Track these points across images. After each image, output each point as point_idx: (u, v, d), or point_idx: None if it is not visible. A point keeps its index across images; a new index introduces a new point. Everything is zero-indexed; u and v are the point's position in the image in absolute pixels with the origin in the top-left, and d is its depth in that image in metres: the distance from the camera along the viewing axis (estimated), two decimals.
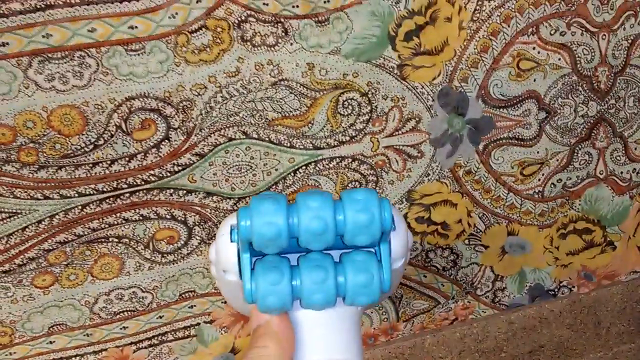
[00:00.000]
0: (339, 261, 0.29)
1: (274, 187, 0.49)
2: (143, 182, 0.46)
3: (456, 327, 0.61)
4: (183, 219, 0.48)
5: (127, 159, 0.45)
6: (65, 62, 0.41)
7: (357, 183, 0.51)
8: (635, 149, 0.57)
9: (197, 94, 0.44)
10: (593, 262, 0.62)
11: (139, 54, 0.42)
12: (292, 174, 0.49)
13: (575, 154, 0.55)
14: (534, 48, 0.50)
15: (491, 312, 0.62)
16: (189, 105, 0.44)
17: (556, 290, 0.63)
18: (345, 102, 0.47)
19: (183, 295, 0.52)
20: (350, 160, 0.50)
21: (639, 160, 0.58)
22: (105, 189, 0.45)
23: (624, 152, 0.57)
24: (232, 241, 0.29)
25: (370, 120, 0.49)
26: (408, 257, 0.33)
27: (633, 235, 0.62)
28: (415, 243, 0.55)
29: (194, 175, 0.47)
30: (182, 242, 0.49)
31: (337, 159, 0.49)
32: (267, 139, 0.47)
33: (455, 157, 0.52)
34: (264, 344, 0.28)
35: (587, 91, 0.53)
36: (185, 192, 0.47)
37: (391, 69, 0.47)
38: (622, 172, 0.58)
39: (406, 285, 0.58)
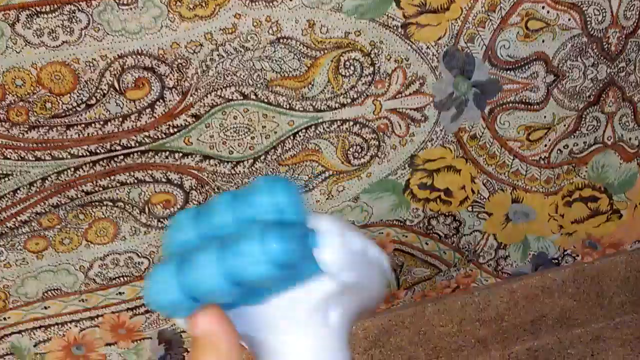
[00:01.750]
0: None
1: (272, 150, 0.48)
2: (137, 144, 0.45)
3: (457, 296, 0.61)
4: (179, 183, 0.47)
5: (120, 119, 0.44)
6: (55, 17, 0.39)
7: (358, 147, 0.50)
8: None
9: (192, 51, 0.43)
10: (598, 231, 0.61)
11: (131, 9, 0.40)
12: (292, 138, 0.48)
13: (583, 119, 0.54)
14: (543, 7, 0.48)
15: (493, 281, 0.62)
16: (184, 64, 0.43)
17: (560, 259, 0.62)
18: (347, 63, 0.46)
19: None
20: (351, 123, 0.49)
21: None
22: (98, 151, 0.44)
23: (633, 117, 0.56)
24: None
25: (373, 81, 0.47)
26: (385, 268, 0.31)
27: None
28: (418, 210, 0.55)
29: (190, 137, 0.46)
30: (179, 207, 0.48)
31: (338, 122, 0.48)
32: (265, 100, 0.46)
33: (460, 121, 0.51)
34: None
35: (597, 53, 0.52)
36: (181, 154, 0.46)
37: (395, 28, 0.46)
38: (630, 138, 0.57)
39: (407, 253, 0.57)
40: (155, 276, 0.26)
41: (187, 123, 0.45)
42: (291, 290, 0.28)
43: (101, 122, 0.43)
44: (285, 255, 0.26)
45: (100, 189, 0.46)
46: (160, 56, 0.42)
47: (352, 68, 0.46)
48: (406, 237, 0.56)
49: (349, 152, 0.50)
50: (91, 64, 0.41)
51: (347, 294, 0.29)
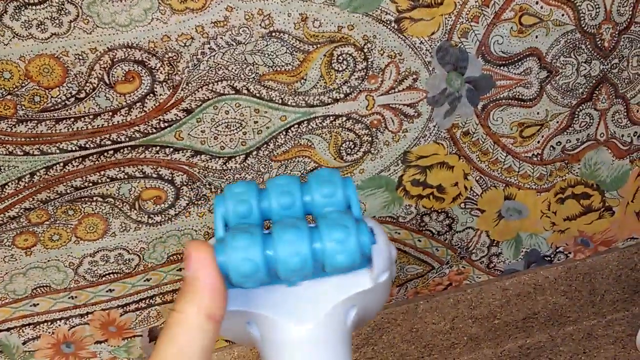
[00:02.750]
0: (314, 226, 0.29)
1: (264, 146, 0.47)
2: (127, 139, 0.44)
3: (450, 293, 0.60)
4: (170, 178, 0.47)
5: (110, 113, 0.43)
6: (43, 8, 0.38)
7: (351, 143, 0.49)
8: (638, 111, 0.56)
9: (183, 45, 0.42)
10: (590, 228, 0.61)
11: (121, 1, 0.39)
12: (284, 133, 0.47)
13: (576, 116, 0.54)
14: (537, 2, 0.48)
15: (486, 278, 0.61)
16: (175, 57, 0.42)
17: (552, 256, 0.62)
18: (340, 57, 0.46)
19: (171, 258, 0.51)
20: (344, 119, 0.48)
21: None
22: (88, 145, 0.43)
23: (625, 114, 0.56)
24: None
25: (366, 76, 0.47)
26: (394, 272, 0.32)
27: (632, 201, 0.61)
28: (410, 206, 0.54)
29: (181, 132, 0.45)
30: (170, 203, 0.48)
31: (331, 117, 0.48)
32: (257, 95, 0.45)
33: (453, 117, 0.51)
34: (181, 309, 0.24)
35: (590, 49, 0.51)
36: (172, 150, 0.45)
37: (388, 22, 0.45)
38: (623, 135, 0.57)
39: (400, 250, 0.57)
40: (239, 242, 0.26)
41: (178, 118, 0.44)
42: (329, 277, 0.29)
43: (91, 117, 0.42)
44: (369, 249, 0.28)
45: (90, 184, 0.45)
46: (151, 49, 0.41)
47: (345, 63, 0.46)
48: (399, 234, 0.56)
49: (341, 147, 0.49)
50: (80, 57, 0.40)
51: (368, 297, 0.29)
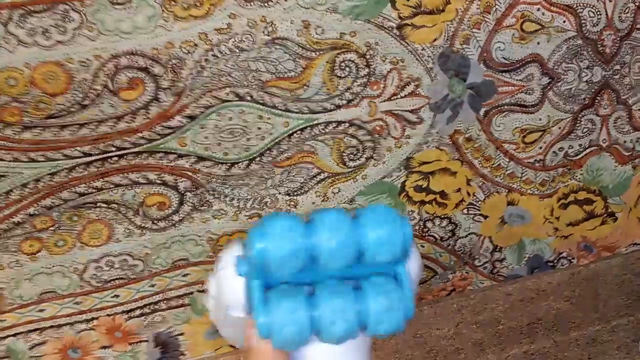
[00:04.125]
0: (358, 288, 0.27)
1: (267, 152, 0.46)
2: (132, 145, 0.43)
3: (454, 298, 0.59)
4: (174, 185, 0.46)
5: (114, 120, 0.42)
6: (48, 16, 0.38)
7: (354, 149, 0.48)
8: None
9: (187, 52, 0.41)
10: (593, 233, 0.60)
11: (125, 8, 0.39)
12: (287, 139, 0.46)
13: (578, 122, 0.53)
14: (538, 9, 0.47)
15: (489, 284, 0.60)
16: (178, 64, 0.41)
17: (555, 261, 0.61)
18: (342, 64, 0.45)
19: (176, 264, 0.50)
20: (347, 125, 0.47)
21: None
22: (92, 152, 0.43)
23: (628, 120, 0.54)
24: (239, 274, 0.26)
25: (368, 83, 0.46)
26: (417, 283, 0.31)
27: (634, 206, 0.60)
28: (413, 212, 0.53)
29: (185, 138, 0.44)
30: (174, 209, 0.47)
31: (334, 123, 0.47)
32: (261, 101, 0.44)
33: (455, 123, 0.50)
34: None
35: (592, 56, 0.50)
36: (175, 156, 0.45)
37: (390, 29, 0.44)
38: (625, 141, 0.55)
39: None
40: (283, 304, 0.24)
41: (181, 124, 0.44)
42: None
43: (95, 123, 0.42)
44: (412, 312, 0.26)
45: (94, 190, 0.44)
46: (155, 56, 0.41)
47: (347, 69, 0.45)
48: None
49: (344, 153, 0.48)
50: (85, 64, 0.40)
51: None
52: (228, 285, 0.27)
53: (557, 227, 0.58)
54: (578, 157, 0.55)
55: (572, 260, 0.61)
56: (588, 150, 0.55)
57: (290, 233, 0.25)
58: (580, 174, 0.56)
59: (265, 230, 0.25)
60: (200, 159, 0.45)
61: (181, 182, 0.46)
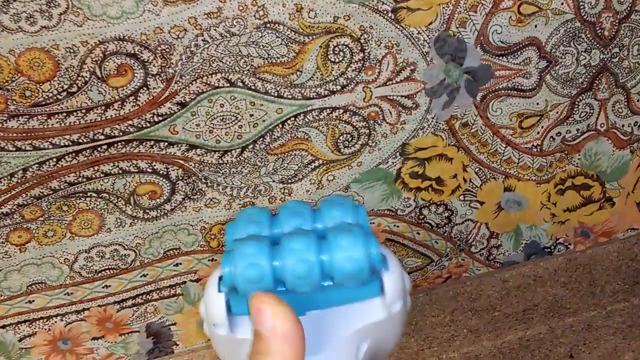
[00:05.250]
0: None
1: (261, 139, 0.47)
2: (121, 133, 0.43)
3: (449, 286, 0.60)
4: (165, 173, 0.46)
5: (103, 107, 0.42)
6: (32, 1, 0.38)
7: (348, 136, 0.49)
8: (638, 100, 0.55)
9: (176, 37, 0.41)
10: (591, 219, 0.61)
11: None
12: (280, 126, 0.47)
13: (576, 106, 0.53)
14: None
15: (485, 270, 0.61)
16: (168, 50, 0.41)
17: (552, 247, 0.62)
18: (336, 48, 0.45)
19: (167, 253, 0.50)
20: (341, 111, 0.47)
21: None
22: (81, 140, 0.43)
23: (626, 104, 0.55)
24: (219, 291, 0.28)
25: (363, 68, 0.46)
26: (409, 304, 0.31)
27: (632, 192, 0.61)
28: (409, 199, 0.54)
29: (176, 126, 0.44)
30: (165, 198, 0.47)
31: (328, 109, 0.47)
32: (253, 87, 0.44)
33: (452, 108, 0.50)
34: None
35: (590, 38, 0.51)
36: (166, 144, 0.45)
37: (385, 12, 0.44)
38: (623, 125, 0.56)
39: (399, 243, 0.56)
40: (247, 249, 0.26)
41: (172, 111, 0.44)
42: (341, 306, 0.28)
43: (83, 111, 0.42)
44: (378, 261, 0.27)
45: (84, 179, 0.44)
46: (143, 42, 0.41)
47: (341, 54, 0.45)
48: (397, 227, 0.55)
49: (339, 140, 0.49)
50: (71, 50, 0.40)
51: (380, 329, 0.29)
52: (211, 302, 0.28)
53: (554, 213, 0.59)
54: (576, 141, 0.55)
55: (569, 246, 0.62)
56: (586, 135, 0.55)
57: (255, 258, 0.27)
58: (578, 159, 0.56)
59: (233, 256, 0.27)
60: (192, 146, 0.46)
61: (173, 170, 0.46)
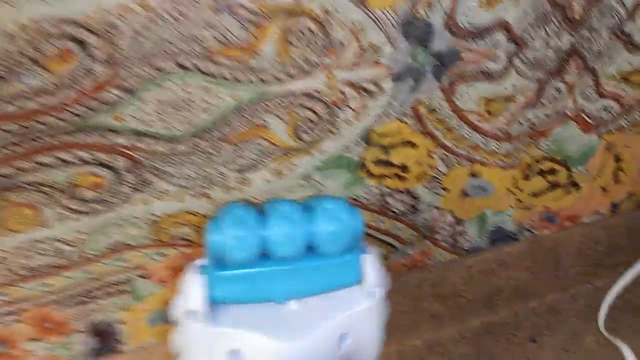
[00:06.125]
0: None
1: (215, 127, 0.48)
2: (63, 122, 0.44)
3: (413, 273, 0.63)
4: (110, 164, 0.47)
5: (43, 95, 0.42)
6: None
7: (310, 123, 0.50)
8: (607, 84, 0.59)
9: (123, 18, 0.41)
10: (556, 204, 0.65)
11: None
12: (236, 113, 0.48)
13: (544, 90, 0.57)
14: None
15: (450, 257, 0.65)
16: (113, 33, 0.42)
17: (517, 233, 0.66)
18: (298, 31, 0.46)
19: (113, 249, 0.51)
20: (302, 97, 0.49)
21: (609, 97, 0.60)
22: (19, 131, 0.43)
23: (594, 88, 0.59)
24: (201, 274, 0.31)
25: (326, 52, 0.48)
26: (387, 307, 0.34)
27: (598, 176, 0.65)
28: (373, 187, 0.56)
29: (122, 113, 0.45)
30: (110, 190, 0.48)
31: (288, 95, 0.49)
32: (207, 72, 0.45)
33: (418, 93, 0.52)
34: None
35: (560, 21, 0.54)
36: (112, 133, 0.45)
37: None
38: (591, 110, 0.60)
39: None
40: (233, 220, 0.29)
41: (118, 98, 0.44)
42: (322, 294, 0.30)
43: (22, 99, 0.42)
44: (359, 229, 0.30)
45: (21, 171, 0.45)
46: (87, 24, 0.41)
47: (302, 37, 0.46)
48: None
49: (299, 127, 0.50)
50: (7, 35, 0.39)
51: (362, 323, 0.31)
52: (189, 286, 0.30)
53: (519, 199, 0.63)
54: (543, 126, 0.59)
55: (534, 232, 0.67)
56: (553, 120, 0.59)
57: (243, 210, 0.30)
58: (545, 144, 0.60)
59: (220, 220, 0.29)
60: (140, 135, 0.46)
61: (119, 161, 0.47)
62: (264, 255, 0.30)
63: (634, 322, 0.67)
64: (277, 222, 0.29)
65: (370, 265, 0.31)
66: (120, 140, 0.46)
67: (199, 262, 0.31)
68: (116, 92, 0.44)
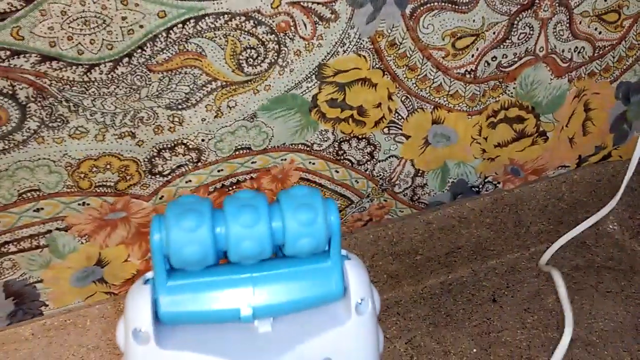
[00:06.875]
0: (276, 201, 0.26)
1: (139, 51, 0.38)
2: None
3: (370, 229, 0.56)
4: (11, 92, 0.37)
5: None
6: None
7: (253, 52, 0.41)
8: (580, 22, 0.51)
9: None
10: (522, 155, 0.58)
11: None
12: (164, 35, 0.38)
13: (515, 26, 0.49)
14: None
15: (409, 212, 0.57)
16: None
17: (480, 186, 0.59)
18: None
19: (24, 196, 0.41)
20: (243, 19, 0.39)
21: (582, 37, 0.52)
22: None
23: (567, 25, 0.51)
24: (145, 283, 0.24)
25: None
26: (377, 308, 0.28)
27: (566, 125, 0.58)
28: (327, 132, 0.47)
29: (20, 29, 0.35)
30: (14, 125, 0.38)
31: (226, 16, 0.39)
32: None
33: (378, 22, 0.43)
34: None
35: None
36: (9, 53, 0.35)
37: None
38: (563, 50, 0.52)
39: (315, 182, 0.50)
40: (181, 209, 0.23)
41: (13, 8, 0.34)
42: (306, 307, 0.25)
43: None
44: (335, 222, 0.25)
45: None
46: None
47: None
48: (313, 164, 0.49)
49: (241, 57, 0.41)
50: None
51: (345, 341, 0.25)
52: (134, 298, 0.24)
53: (484, 149, 0.55)
54: (512, 67, 0.51)
55: (497, 185, 0.59)
56: (523, 61, 0.51)
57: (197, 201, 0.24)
58: (514, 88, 0.52)
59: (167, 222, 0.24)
60: (46, 58, 0.36)
61: (21, 89, 0.37)
62: (225, 263, 0.25)
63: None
64: (237, 210, 0.22)
65: (355, 273, 0.26)
66: (21, 62, 0.36)
67: (148, 274, 0.25)
68: (11, 0, 0.33)
